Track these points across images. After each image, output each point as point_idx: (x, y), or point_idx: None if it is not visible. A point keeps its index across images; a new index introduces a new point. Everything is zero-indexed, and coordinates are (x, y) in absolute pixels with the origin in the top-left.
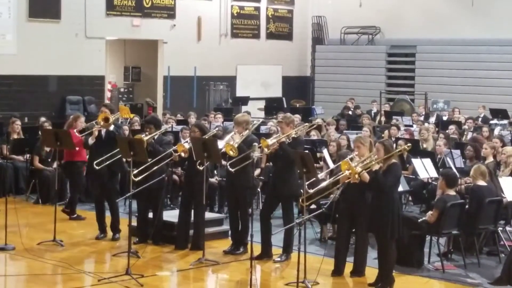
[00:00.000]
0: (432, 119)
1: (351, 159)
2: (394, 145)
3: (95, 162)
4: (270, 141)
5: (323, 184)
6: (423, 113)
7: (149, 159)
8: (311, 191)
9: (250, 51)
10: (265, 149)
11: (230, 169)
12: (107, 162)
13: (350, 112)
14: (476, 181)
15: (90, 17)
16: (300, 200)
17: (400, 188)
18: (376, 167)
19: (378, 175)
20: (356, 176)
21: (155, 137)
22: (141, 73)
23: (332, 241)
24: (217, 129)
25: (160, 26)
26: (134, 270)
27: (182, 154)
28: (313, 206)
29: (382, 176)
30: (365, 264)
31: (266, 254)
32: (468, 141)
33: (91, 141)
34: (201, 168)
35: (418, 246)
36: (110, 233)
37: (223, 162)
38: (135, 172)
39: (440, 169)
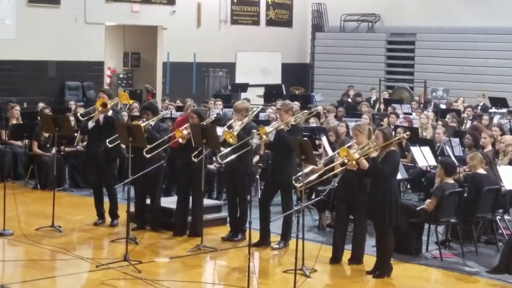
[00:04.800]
0: (431, 107)
1: (350, 147)
2: (393, 132)
3: (108, 140)
4: (268, 128)
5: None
6: (423, 102)
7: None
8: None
9: (249, 37)
10: (264, 136)
11: (220, 161)
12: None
13: (349, 100)
14: (476, 169)
15: (90, 2)
16: (294, 180)
17: (399, 176)
18: (374, 154)
19: (376, 162)
20: (354, 163)
21: (152, 123)
22: (140, 59)
23: (330, 228)
24: (216, 116)
25: (160, 12)
26: (132, 256)
27: (180, 140)
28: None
29: (380, 163)
30: (363, 251)
31: (264, 241)
32: (468, 129)
33: (90, 124)
34: (196, 160)
35: (416, 234)
36: (108, 219)
37: (222, 149)
38: (147, 148)
39: (439, 157)
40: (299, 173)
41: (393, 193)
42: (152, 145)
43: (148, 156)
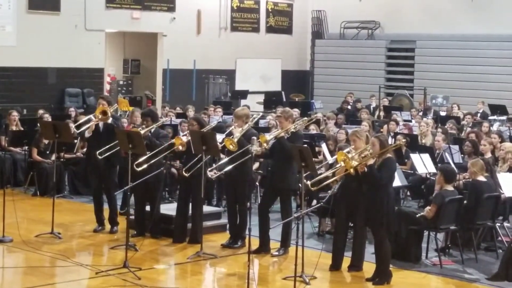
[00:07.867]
0: (430, 115)
1: (348, 152)
2: (393, 140)
3: (97, 152)
4: (268, 136)
5: (322, 175)
6: (422, 109)
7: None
8: (309, 182)
9: (249, 44)
10: (264, 144)
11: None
12: (108, 153)
13: (349, 107)
14: (476, 176)
15: (90, 9)
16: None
17: (399, 183)
18: (371, 161)
19: (373, 169)
20: (352, 170)
21: (152, 130)
22: (140, 65)
23: (330, 235)
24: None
25: (160, 19)
26: (132, 263)
27: (180, 148)
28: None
29: (376, 170)
30: (363, 258)
31: (264, 248)
32: (466, 136)
33: (87, 134)
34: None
35: (416, 241)
36: (108, 226)
37: (222, 156)
38: (137, 162)
39: (439, 165)
40: (316, 178)
41: (390, 200)
42: (151, 153)
43: (139, 169)
